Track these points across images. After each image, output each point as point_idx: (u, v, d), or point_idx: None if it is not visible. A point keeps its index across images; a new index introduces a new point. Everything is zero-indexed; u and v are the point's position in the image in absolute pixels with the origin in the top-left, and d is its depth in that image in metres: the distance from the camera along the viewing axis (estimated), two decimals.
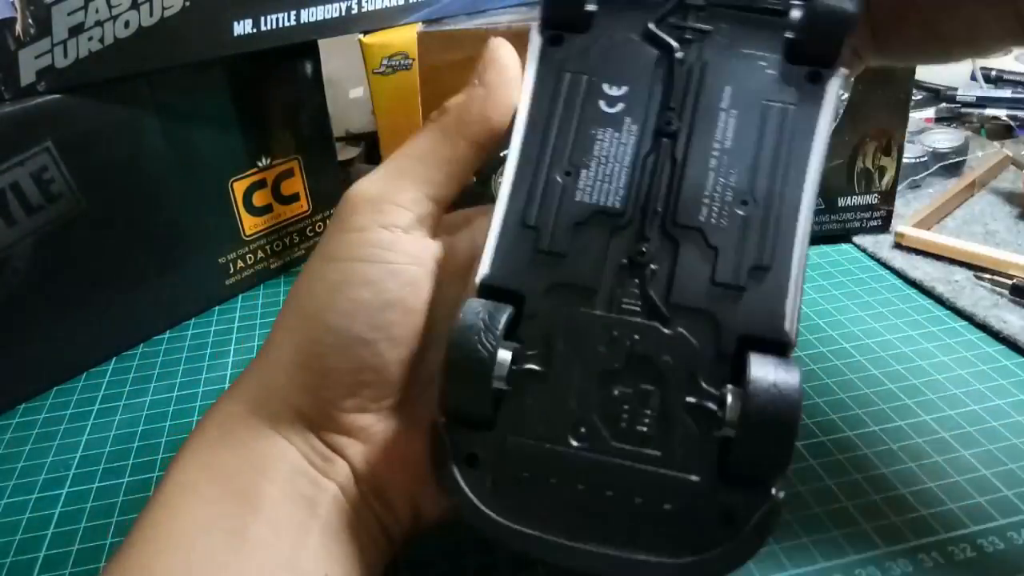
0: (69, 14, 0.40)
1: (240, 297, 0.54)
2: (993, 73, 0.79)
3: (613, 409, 0.24)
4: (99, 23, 0.41)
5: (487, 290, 0.25)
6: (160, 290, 0.50)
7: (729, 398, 0.23)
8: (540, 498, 0.24)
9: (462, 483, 0.24)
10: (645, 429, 0.24)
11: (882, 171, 0.54)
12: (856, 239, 0.56)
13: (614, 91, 0.27)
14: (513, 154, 0.26)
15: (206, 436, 0.26)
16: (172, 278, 0.50)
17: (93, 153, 0.44)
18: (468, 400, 0.24)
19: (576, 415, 0.24)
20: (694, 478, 0.24)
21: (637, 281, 0.25)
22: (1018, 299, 0.47)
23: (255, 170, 0.53)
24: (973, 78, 0.79)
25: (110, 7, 0.41)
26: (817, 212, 0.55)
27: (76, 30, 0.41)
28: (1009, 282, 0.48)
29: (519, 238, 0.25)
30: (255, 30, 0.47)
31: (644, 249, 0.25)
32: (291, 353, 0.26)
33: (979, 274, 0.50)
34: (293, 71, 0.53)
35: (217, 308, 0.53)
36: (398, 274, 0.26)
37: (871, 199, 0.55)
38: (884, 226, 0.56)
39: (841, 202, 0.55)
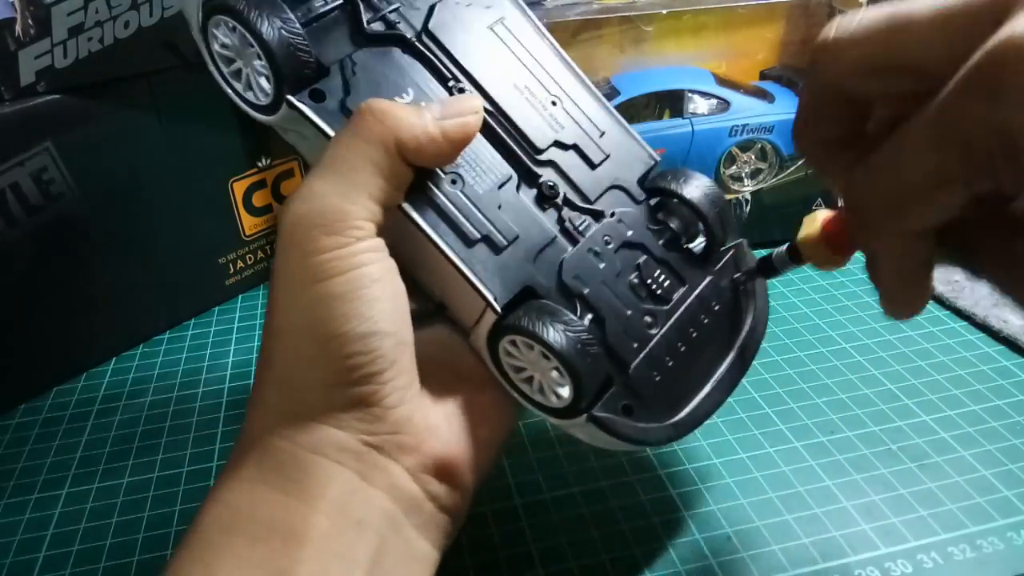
0: (69, 14, 0.40)
1: (240, 297, 0.54)
2: None
3: (644, 291, 0.31)
4: (99, 23, 0.41)
5: (507, 309, 0.28)
6: (160, 290, 0.50)
7: (673, 221, 0.32)
8: (675, 380, 0.30)
9: (645, 433, 0.29)
10: (667, 280, 0.31)
11: None
12: None
13: (406, 98, 0.30)
14: (407, 208, 0.28)
15: (244, 473, 0.26)
16: (172, 278, 0.50)
17: (93, 153, 0.44)
18: (596, 383, 0.28)
19: (636, 315, 0.30)
20: (709, 277, 0.32)
21: (563, 207, 0.31)
22: None
23: (255, 170, 0.53)
24: None
25: (110, 7, 0.41)
26: None
27: (76, 30, 0.41)
28: None
29: (482, 256, 0.28)
30: None
31: (550, 183, 0.31)
32: (321, 376, 0.26)
33: None
34: None
35: (217, 308, 0.53)
36: (389, 271, 0.27)
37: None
38: None
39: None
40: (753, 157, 0.56)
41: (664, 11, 0.55)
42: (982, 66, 0.18)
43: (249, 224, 0.53)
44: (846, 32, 0.22)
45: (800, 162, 0.53)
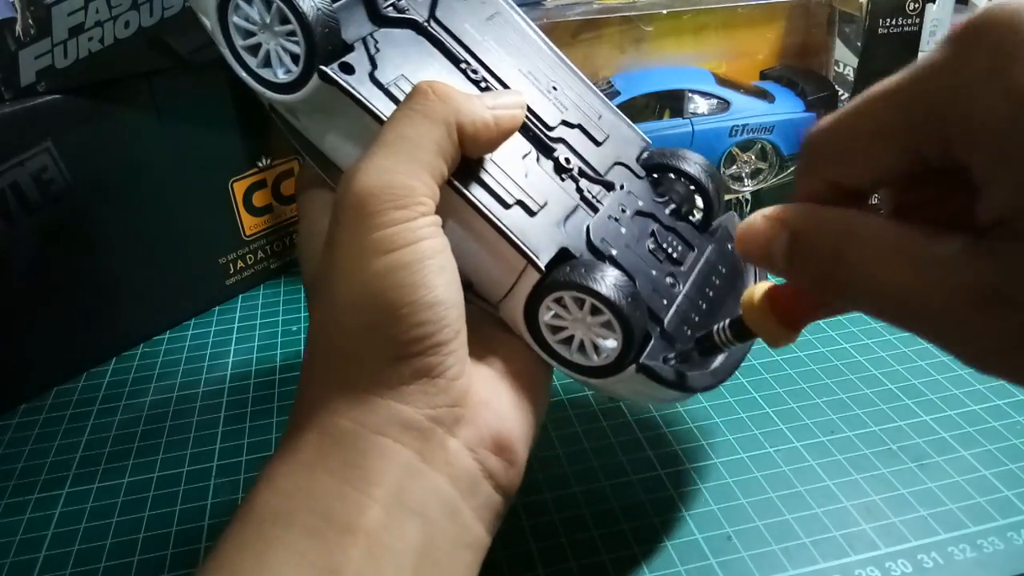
0: (69, 14, 0.40)
1: (240, 297, 0.54)
2: None
3: (662, 254, 0.33)
4: (99, 23, 0.41)
5: (550, 266, 0.29)
6: (160, 290, 0.50)
7: (673, 195, 0.35)
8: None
9: (692, 379, 0.30)
10: (680, 245, 0.33)
11: None
12: None
13: (429, 77, 0.31)
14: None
15: (301, 456, 0.26)
16: (172, 278, 0.50)
17: (93, 153, 0.44)
18: (642, 335, 0.29)
19: (660, 275, 0.32)
20: (711, 244, 0.35)
21: (580, 178, 0.33)
22: None
23: (255, 170, 0.53)
24: None
25: (110, 7, 0.41)
26: None
27: (76, 30, 0.41)
28: None
29: (519, 218, 0.30)
30: None
31: (566, 158, 0.33)
32: (387, 346, 0.26)
33: None
34: None
35: (217, 308, 0.53)
36: (446, 246, 0.27)
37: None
38: None
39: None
40: (753, 157, 0.56)
41: (664, 11, 0.55)
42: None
43: (249, 224, 0.53)
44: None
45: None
